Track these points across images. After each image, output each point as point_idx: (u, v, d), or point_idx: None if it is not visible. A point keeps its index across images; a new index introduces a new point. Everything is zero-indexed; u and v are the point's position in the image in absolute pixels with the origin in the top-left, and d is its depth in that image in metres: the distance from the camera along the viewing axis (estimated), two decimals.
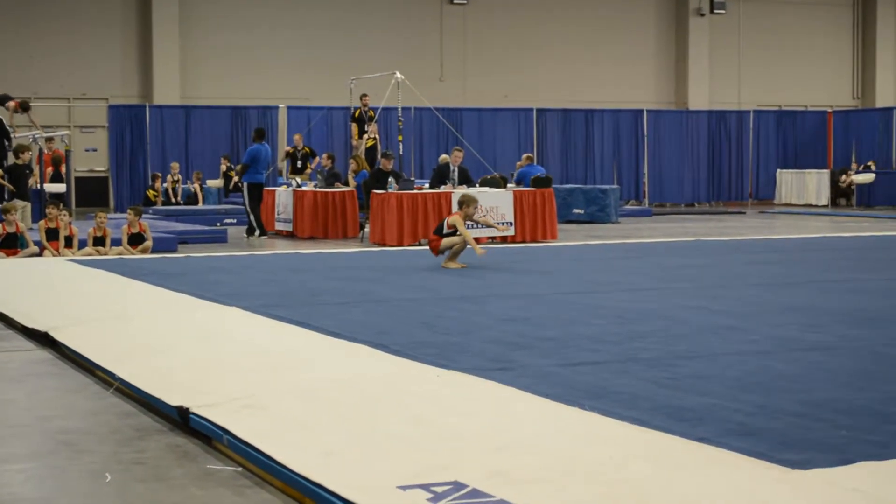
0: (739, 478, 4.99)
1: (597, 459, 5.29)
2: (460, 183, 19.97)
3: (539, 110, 31.96)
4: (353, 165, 22.17)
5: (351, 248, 18.05)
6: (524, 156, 25.77)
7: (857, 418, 6.01)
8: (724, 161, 33.62)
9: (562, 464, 5.22)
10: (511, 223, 19.34)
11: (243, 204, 21.35)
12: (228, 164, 29.03)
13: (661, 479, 4.98)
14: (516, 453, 5.40)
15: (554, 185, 21.57)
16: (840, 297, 11.31)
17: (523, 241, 19.31)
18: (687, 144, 33.12)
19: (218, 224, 23.62)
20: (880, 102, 37.30)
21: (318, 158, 25.32)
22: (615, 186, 27.24)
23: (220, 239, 20.31)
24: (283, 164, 26.26)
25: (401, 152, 24.43)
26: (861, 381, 7.04)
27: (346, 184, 21.82)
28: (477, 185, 20.71)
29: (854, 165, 32.68)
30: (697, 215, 29.45)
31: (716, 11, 36.12)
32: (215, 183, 29.19)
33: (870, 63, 38.42)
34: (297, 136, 26.42)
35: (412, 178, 23.31)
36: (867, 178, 31.04)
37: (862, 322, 9.51)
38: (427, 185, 20.51)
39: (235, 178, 26.28)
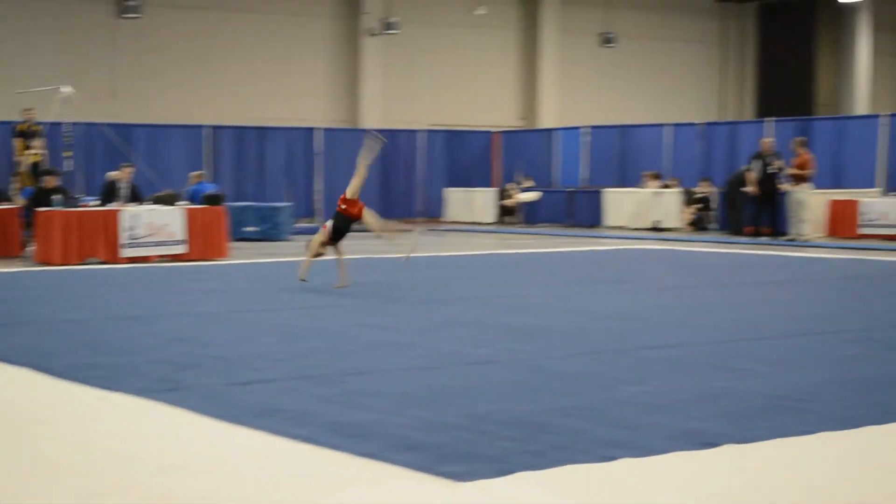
0: (402, 491, 5.07)
1: (265, 479, 5.28)
2: (130, 200, 19.55)
3: (212, 127, 31.65)
4: (17, 182, 21.36)
5: (14, 268, 17.39)
6: (196, 173, 25.46)
7: (518, 430, 6.21)
8: (395, 179, 34.15)
9: (229, 485, 5.18)
10: (182, 241, 19.05)
11: None
12: None
13: (326, 496, 5.01)
14: (183, 476, 5.32)
15: (226, 203, 21.40)
16: (504, 312, 11.67)
17: (194, 260, 19.06)
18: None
19: None
20: (544, 124, 38.74)
21: None
22: (288, 204, 27.24)
23: None
24: None
25: (69, 168, 23.68)
26: (522, 393, 7.29)
27: (10, 200, 21.00)
28: (148, 202, 20.32)
29: (518, 183, 33.74)
30: (369, 233, 29.73)
31: (388, 32, 36.68)
32: None
33: (534, 85, 39.85)
34: None
35: (80, 196, 22.66)
36: (532, 196, 32.16)
37: (524, 336, 9.84)
38: (95, 203, 19.97)
39: None
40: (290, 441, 5.95)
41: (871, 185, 26.94)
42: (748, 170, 25.61)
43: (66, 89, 22.63)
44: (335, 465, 5.50)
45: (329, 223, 14.22)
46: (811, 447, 5.90)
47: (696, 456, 5.69)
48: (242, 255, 20.01)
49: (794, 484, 5.25)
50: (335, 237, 14.13)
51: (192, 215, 19.30)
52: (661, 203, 29.06)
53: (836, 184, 27.50)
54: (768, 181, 24.78)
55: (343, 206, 14.08)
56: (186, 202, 21.15)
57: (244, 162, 31.85)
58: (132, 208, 18.69)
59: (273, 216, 25.52)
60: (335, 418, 6.48)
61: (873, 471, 5.47)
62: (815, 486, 5.20)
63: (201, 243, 19.31)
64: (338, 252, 14.20)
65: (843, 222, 25.58)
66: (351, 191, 14.15)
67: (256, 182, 31.86)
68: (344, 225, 14.13)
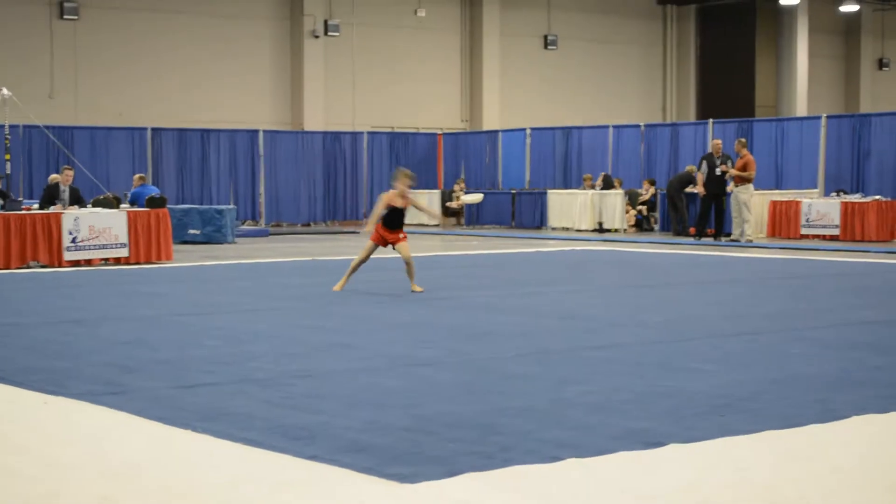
0: (349, 494, 5.07)
1: (209, 482, 5.26)
2: (71, 203, 19.38)
3: (154, 129, 31.43)
4: None
5: None
6: (137, 175, 25.31)
7: (465, 431, 6.22)
8: (340, 181, 34.09)
9: (174, 487, 5.16)
10: (125, 244, 18.91)
11: None
12: None
13: (272, 499, 5.00)
14: (127, 478, 5.29)
15: (169, 206, 21.28)
16: (449, 313, 11.69)
17: (137, 263, 18.94)
18: (303, 165, 33.37)
19: None
20: (487, 126, 38.82)
21: None
22: (231, 207, 27.12)
23: None
24: None
25: (8, 171, 23.46)
26: (468, 394, 7.30)
27: None
28: (89, 205, 20.16)
29: (460, 185, 33.78)
30: (313, 235, 29.72)
31: (330, 34, 36.61)
32: None
33: (477, 87, 39.92)
34: None
35: (20, 199, 22.44)
36: (476, 198, 32.14)
37: (470, 337, 9.86)
38: (36, 206, 19.79)
39: None
40: (236, 444, 5.92)
41: (812, 186, 27.22)
42: (697, 170, 25.80)
43: (4, 92, 22.41)
44: (281, 468, 5.48)
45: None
46: (755, 446, 5.95)
47: (642, 455, 5.72)
48: (186, 258, 19.90)
49: (737, 482, 5.29)
50: (392, 225, 13.81)
51: (134, 218, 19.16)
52: (605, 204, 29.20)
53: (777, 185, 27.77)
54: (715, 182, 24.96)
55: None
56: (129, 205, 21.01)
57: (187, 164, 31.67)
58: (74, 211, 18.54)
59: (217, 219, 25.39)
60: (281, 421, 6.46)
61: (816, 469, 5.52)
62: (759, 485, 5.24)
63: (144, 246, 19.19)
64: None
65: (784, 223, 25.82)
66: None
67: (200, 184, 31.70)
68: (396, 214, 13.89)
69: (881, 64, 47.82)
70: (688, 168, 27.47)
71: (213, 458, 5.69)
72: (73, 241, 18.20)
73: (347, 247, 24.05)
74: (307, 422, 6.44)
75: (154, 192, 22.39)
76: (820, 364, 8.52)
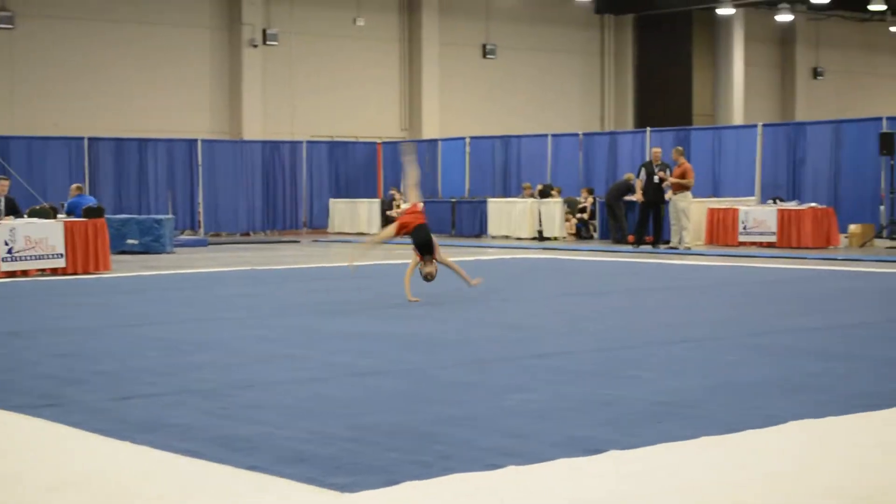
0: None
1: (148, 494, 5.23)
2: (7, 213, 19.20)
3: (91, 139, 31.20)
4: None
5: None
6: (74, 185, 25.09)
7: (405, 440, 6.23)
8: (279, 190, 34.00)
9: (112, 500, 5.13)
10: (62, 255, 18.75)
11: None
12: None
13: None
14: (67, 492, 5.25)
15: (107, 216, 21.12)
16: (390, 322, 11.70)
17: (75, 273, 18.78)
18: (242, 174, 33.25)
19: None
20: (426, 135, 38.85)
21: None
22: (170, 216, 26.95)
23: None
24: None
25: None
26: (410, 403, 7.31)
27: None
28: (25, 215, 19.97)
29: (402, 194, 33.79)
30: (253, 244, 29.62)
31: (268, 43, 36.50)
32: None
33: (417, 96, 39.94)
34: None
35: None
36: None
37: (411, 346, 9.88)
38: None
39: None
40: (176, 455, 5.90)
41: (749, 194, 27.48)
42: (635, 178, 25.98)
43: None
44: (222, 479, 5.47)
45: (413, 248, 13.80)
46: (693, 452, 6.01)
47: (581, 462, 5.76)
48: (124, 269, 19.77)
49: (675, 488, 5.33)
50: (424, 251, 13.65)
51: (71, 228, 19.01)
52: (544, 213, 29.31)
53: (715, 192, 28.02)
54: (653, 190, 25.13)
55: (408, 220, 13.76)
56: (66, 215, 20.84)
57: (125, 174, 31.46)
58: (10, 222, 18.36)
59: (155, 229, 25.23)
60: (222, 432, 6.44)
61: (753, 474, 5.58)
62: (697, 490, 5.30)
63: (82, 257, 19.03)
64: (445, 262, 13.82)
65: (722, 230, 26.05)
66: (414, 197, 13.89)
67: (138, 194, 31.49)
68: (424, 236, 13.67)
69: (816, 73, 48.38)
70: (626, 176, 27.63)
71: (153, 471, 5.66)
72: (10, 251, 18.03)
73: (287, 256, 23.99)
74: (248, 432, 6.42)
75: (91, 202, 22.21)
76: (758, 370, 8.61)
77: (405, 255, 24.11)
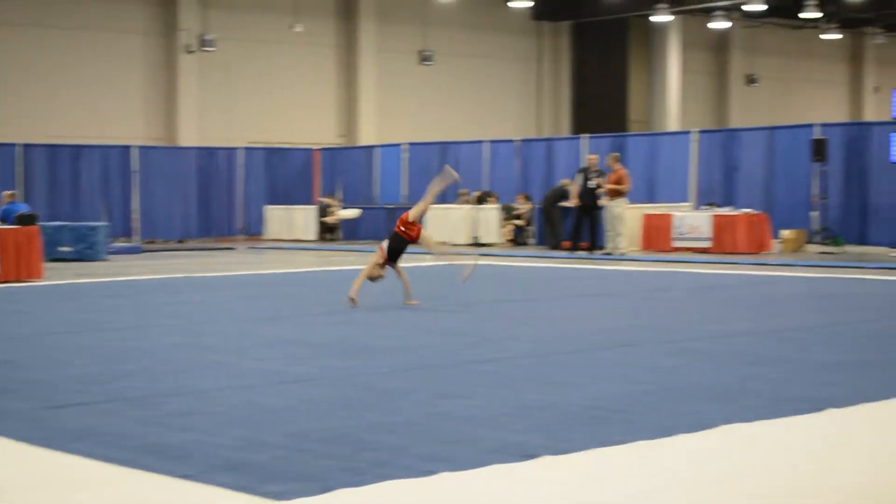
0: None
1: None
2: None
3: (24, 146, 30.89)
4: None
5: None
6: (7, 193, 24.81)
7: (338, 447, 6.21)
8: (215, 197, 33.81)
9: None
10: None
11: None
12: None
13: None
14: None
15: (40, 223, 20.90)
16: (325, 329, 11.67)
17: (7, 281, 18.55)
18: (177, 181, 33.04)
19: None
20: (363, 141, 38.79)
21: None
22: (104, 223, 26.73)
23: None
24: None
25: None
26: (343, 410, 7.29)
27: None
28: None
29: (338, 200, 33.68)
30: (188, 251, 29.41)
31: (205, 49, 36.31)
32: None
33: (354, 103, 39.88)
34: None
35: None
36: (353, 213, 32.18)
37: (345, 353, 9.85)
38: None
39: None
40: (107, 464, 5.84)
41: (684, 200, 27.68)
42: (571, 183, 26.10)
43: None
44: (153, 488, 5.42)
45: (385, 244, 14.07)
46: (626, 456, 6.03)
47: (514, 468, 5.76)
48: (57, 276, 19.56)
49: (607, 492, 5.36)
50: (391, 257, 14.05)
51: (4, 236, 18.78)
52: (482, 219, 29.37)
53: (650, 198, 28.19)
54: (588, 195, 25.26)
55: (402, 229, 14.04)
56: None
57: (58, 181, 31.17)
58: None
59: (89, 236, 25.00)
60: (153, 440, 6.39)
61: (684, 478, 5.61)
62: (629, 494, 5.32)
63: (14, 264, 18.80)
64: (398, 272, 14.11)
65: (657, 236, 26.22)
66: (414, 214, 14.10)
67: (71, 201, 31.22)
68: (401, 246, 14.09)
69: (750, 80, 48.85)
70: (561, 182, 27.76)
71: (83, 479, 5.60)
72: None
73: (222, 263, 23.86)
74: (180, 440, 6.37)
75: (24, 209, 21.98)
76: (691, 375, 8.67)
77: (337, 261, 24.06)
